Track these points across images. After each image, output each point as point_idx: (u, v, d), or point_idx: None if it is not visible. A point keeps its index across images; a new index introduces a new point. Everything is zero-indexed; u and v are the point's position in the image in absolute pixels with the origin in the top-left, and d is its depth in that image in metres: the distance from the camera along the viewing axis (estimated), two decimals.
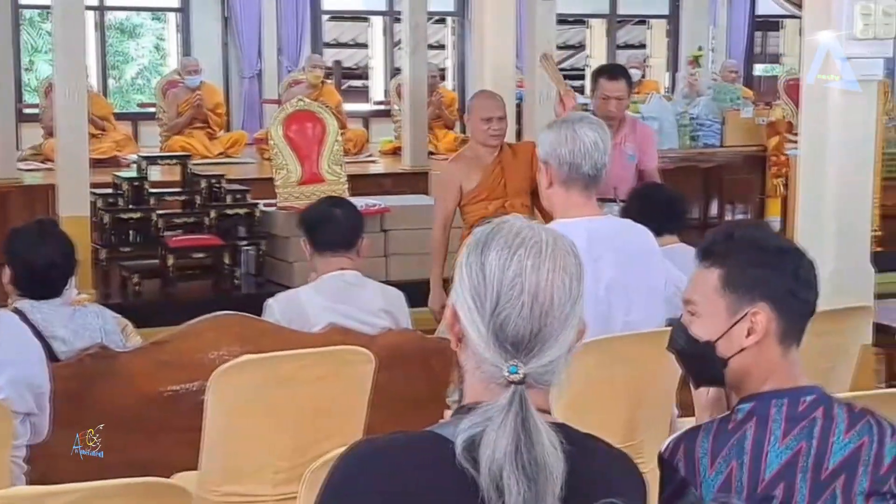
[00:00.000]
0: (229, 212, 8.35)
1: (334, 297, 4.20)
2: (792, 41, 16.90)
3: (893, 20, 4.72)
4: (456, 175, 6.02)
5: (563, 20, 15.05)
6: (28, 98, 14.25)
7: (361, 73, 17.65)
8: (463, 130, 13.27)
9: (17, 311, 3.79)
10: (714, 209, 9.93)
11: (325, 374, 3.48)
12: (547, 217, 3.89)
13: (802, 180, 5.07)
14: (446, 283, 5.66)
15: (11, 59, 10.20)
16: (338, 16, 17.00)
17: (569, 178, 3.60)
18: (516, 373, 1.67)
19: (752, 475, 2.13)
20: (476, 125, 5.99)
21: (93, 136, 9.96)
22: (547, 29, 8.65)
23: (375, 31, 16.23)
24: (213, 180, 8.58)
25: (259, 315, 4.22)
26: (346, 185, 8.56)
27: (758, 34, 18.09)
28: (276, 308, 4.19)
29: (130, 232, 8.15)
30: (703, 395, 2.35)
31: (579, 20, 17.72)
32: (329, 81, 13.22)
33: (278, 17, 14.40)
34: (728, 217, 9.63)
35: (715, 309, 2.24)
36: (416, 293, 5.26)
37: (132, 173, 8.68)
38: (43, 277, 3.89)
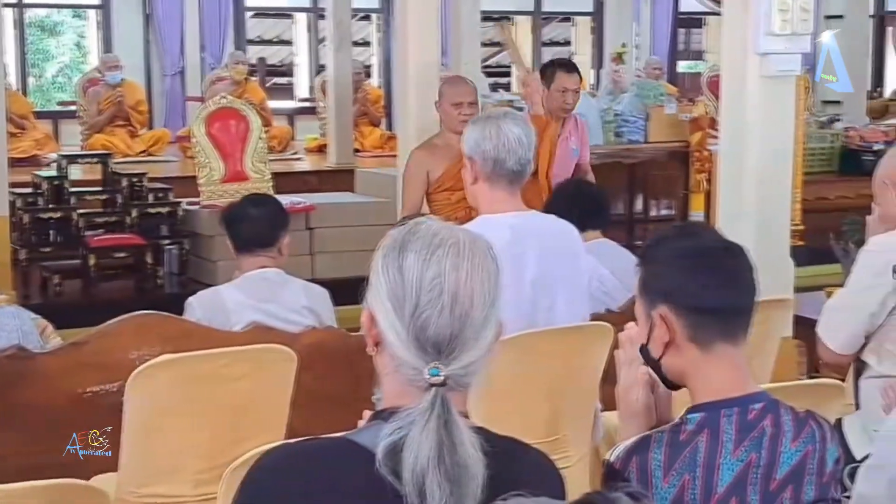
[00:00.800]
0: (151, 210, 8.29)
1: (256, 295, 4.17)
2: (714, 38, 17.07)
3: (811, 16, 4.78)
4: (423, 163, 5.81)
5: (487, 17, 15.08)
6: None
7: (286, 70, 17.56)
8: (389, 127, 13.28)
9: None
10: (639, 205, 9.99)
11: (246, 373, 3.44)
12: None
13: (722, 176, 5.12)
14: None
15: None
16: (261, 12, 16.90)
17: (493, 173, 3.60)
18: (437, 375, 1.66)
19: (705, 489, 2.14)
20: (447, 111, 5.83)
21: (12, 134, 9.83)
22: (471, 26, 8.69)
23: (300, 27, 16.16)
24: (135, 179, 8.50)
25: (182, 314, 4.17)
26: (271, 183, 8.51)
27: (681, 31, 18.27)
28: (197, 306, 4.15)
29: (51, 232, 8.06)
30: (634, 403, 2.34)
31: (504, 17, 17.76)
32: (253, 78, 13.14)
33: (201, 13, 14.27)
34: (653, 213, 9.69)
35: (640, 313, 2.27)
36: (342, 291, 5.21)
37: (52, 172, 8.58)
38: None
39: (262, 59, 16.30)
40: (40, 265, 8.03)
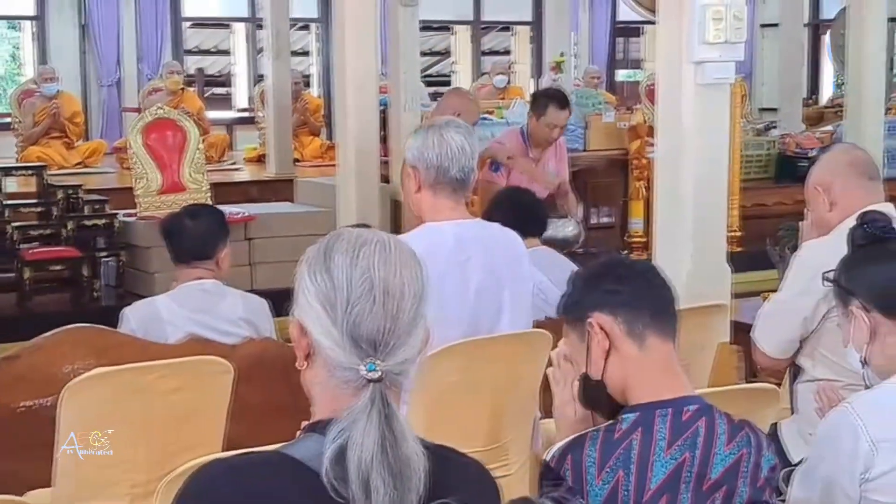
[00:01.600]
0: (88, 223, 8.20)
1: (192, 306, 4.13)
2: (652, 47, 17.21)
3: (744, 24, 4.82)
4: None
5: (427, 26, 15.11)
6: None
7: (225, 80, 17.47)
8: (330, 137, 13.23)
9: None
10: (579, 212, 10.03)
11: (182, 385, 3.41)
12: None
13: (659, 183, 5.14)
14: None
15: None
16: (199, 23, 16.78)
17: (436, 182, 3.60)
18: (374, 370, 1.66)
19: (638, 485, 2.16)
20: None
21: None
22: (411, 35, 8.67)
23: (238, 37, 16.08)
24: (71, 191, 8.43)
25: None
26: (209, 194, 8.46)
27: (619, 40, 18.40)
28: (132, 318, 4.10)
29: None
30: (571, 418, 2.37)
31: (444, 26, 17.80)
32: (190, 89, 13.06)
33: (138, 24, 14.17)
34: (593, 220, 9.72)
35: (574, 343, 2.35)
36: (281, 301, 5.18)
37: None
38: None
39: (200, 70, 16.21)
40: None
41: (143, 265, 8.03)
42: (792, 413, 3.66)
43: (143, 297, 6.01)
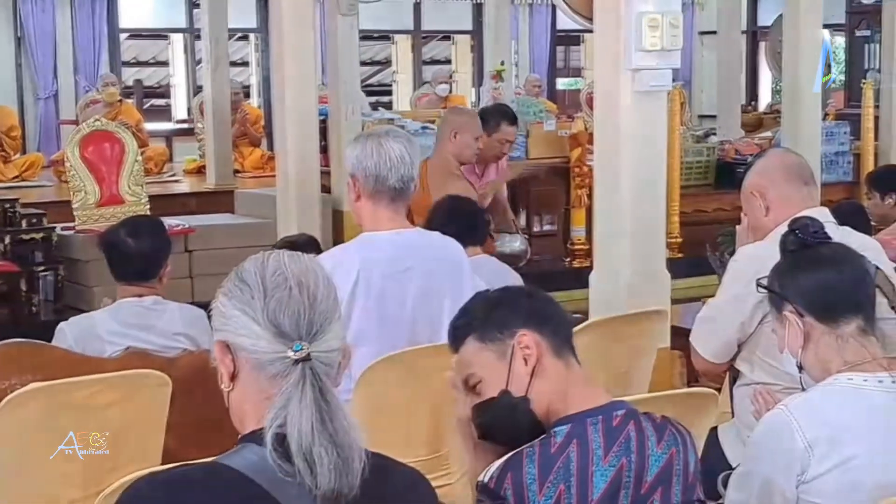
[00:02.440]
0: (25, 237, 8.07)
1: (130, 323, 4.05)
2: (592, 55, 17.32)
3: (681, 32, 4.85)
4: None
5: (367, 36, 15.10)
6: None
7: (163, 91, 17.35)
8: (270, 147, 13.17)
9: None
10: (522, 220, 10.06)
11: (118, 399, 3.38)
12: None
13: (598, 190, 5.16)
14: None
15: None
16: (137, 34, 16.66)
17: (375, 190, 3.60)
18: (301, 349, 1.69)
19: (580, 497, 2.17)
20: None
21: None
22: (350, 44, 8.67)
23: (176, 48, 16.00)
24: (7, 205, 8.29)
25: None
26: (148, 206, 8.39)
27: (560, 49, 18.49)
28: (69, 333, 4.03)
29: None
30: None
31: (384, 36, 17.80)
32: (128, 100, 12.96)
33: (74, 36, 14.05)
34: (536, 228, 9.75)
35: (489, 364, 2.33)
36: None
37: None
38: None
39: (138, 81, 16.08)
40: None
41: (82, 279, 7.94)
42: (732, 417, 3.68)
43: (82, 311, 5.95)
